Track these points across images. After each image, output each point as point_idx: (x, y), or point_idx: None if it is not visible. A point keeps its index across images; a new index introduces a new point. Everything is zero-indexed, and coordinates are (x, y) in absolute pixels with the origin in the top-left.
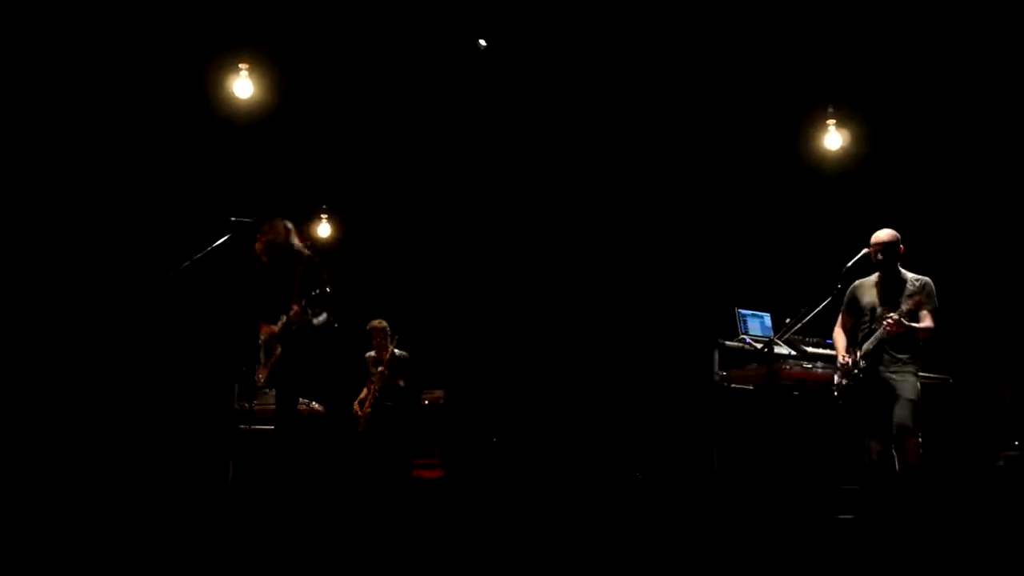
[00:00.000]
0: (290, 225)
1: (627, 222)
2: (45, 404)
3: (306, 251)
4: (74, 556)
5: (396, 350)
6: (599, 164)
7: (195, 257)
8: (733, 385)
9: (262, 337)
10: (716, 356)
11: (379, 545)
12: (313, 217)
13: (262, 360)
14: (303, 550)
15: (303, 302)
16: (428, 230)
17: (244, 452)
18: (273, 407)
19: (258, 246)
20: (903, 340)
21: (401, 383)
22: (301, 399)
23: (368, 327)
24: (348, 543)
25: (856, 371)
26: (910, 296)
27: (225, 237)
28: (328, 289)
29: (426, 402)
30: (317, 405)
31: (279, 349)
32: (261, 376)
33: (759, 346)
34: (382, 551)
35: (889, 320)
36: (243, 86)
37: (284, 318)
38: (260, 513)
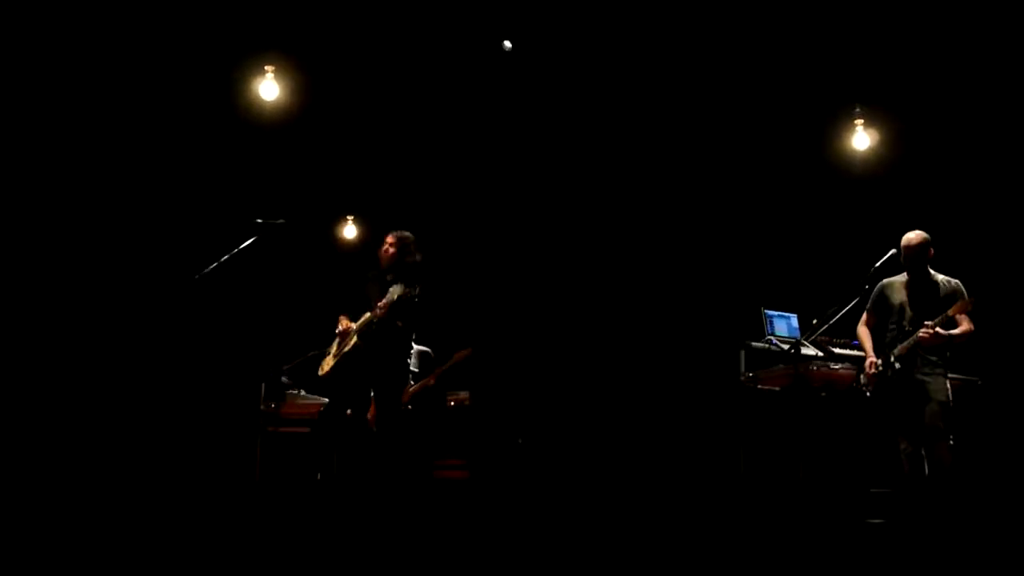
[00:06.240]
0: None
1: (653, 222)
2: (70, 404)
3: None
4: (99, 556)
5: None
6: (625, 165)
7: (222, 259)
8: (760, 386)
9: (339, 328)
10: (743, 357)
11: (404, 544)
12: (339, 219)
13: (332, 351)
14: (328, 550)
15: (388, 303)
16: (454, 231)
17: (271, 453)
18: (300, 409)
19: (387, 251)
20: (936, 344)
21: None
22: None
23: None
24: (373, 542)
25: (888, 372)
26: (947, 298)
27: (252, 239)
28: None
29: (452, 403)
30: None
31: (352, 342)
32: (326, 365)
33: (786, 347)
34: (407, 550)
35: (926, 331)
36: (269, 88)
37: (368, 315)
38: (286, 513)
